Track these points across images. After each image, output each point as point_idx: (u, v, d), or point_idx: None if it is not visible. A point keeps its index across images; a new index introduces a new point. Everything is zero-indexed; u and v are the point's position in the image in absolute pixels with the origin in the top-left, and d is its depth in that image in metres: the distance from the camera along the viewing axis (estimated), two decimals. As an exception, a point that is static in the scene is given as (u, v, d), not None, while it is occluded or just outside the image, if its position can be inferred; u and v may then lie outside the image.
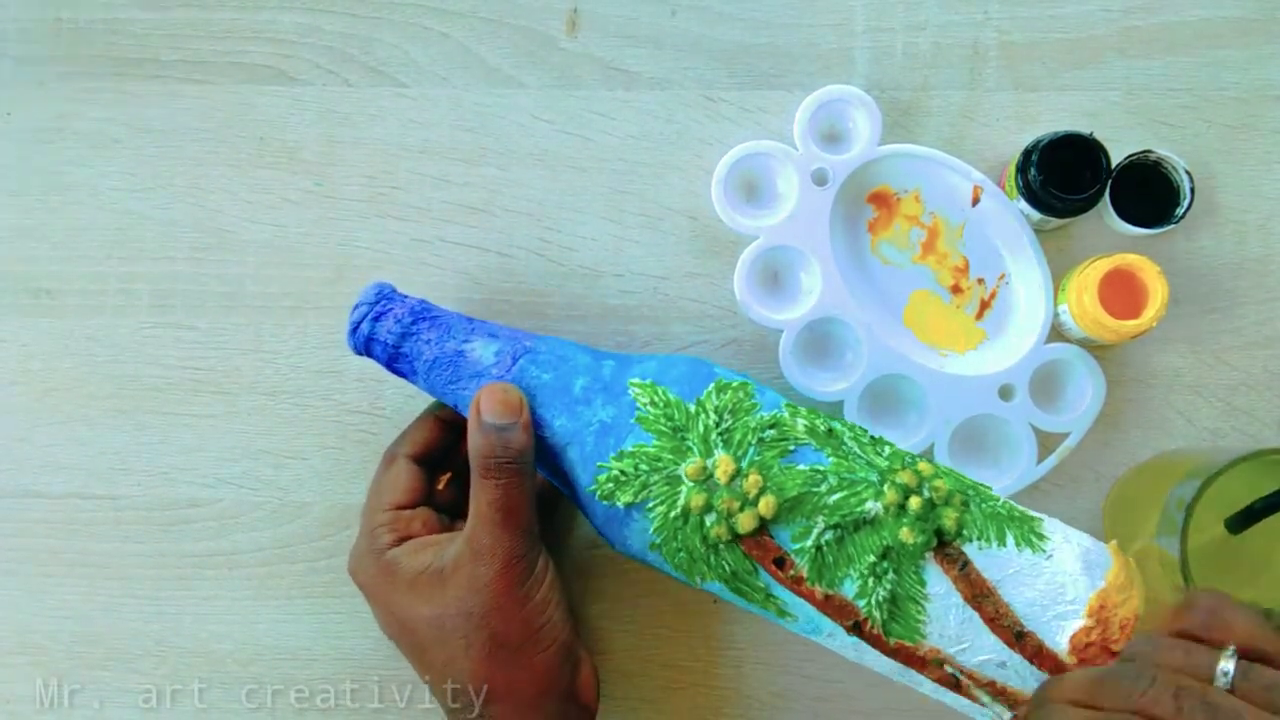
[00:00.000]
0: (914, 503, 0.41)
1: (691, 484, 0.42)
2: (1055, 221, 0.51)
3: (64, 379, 0.55)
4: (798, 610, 0.42)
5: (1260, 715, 0.32)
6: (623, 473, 0.42)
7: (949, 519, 0.41)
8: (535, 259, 0.54)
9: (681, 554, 0.42)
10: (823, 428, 0.43)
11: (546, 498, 0.50)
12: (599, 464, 0.43)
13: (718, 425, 0.43)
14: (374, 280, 0.48)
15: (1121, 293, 0.48)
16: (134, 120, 0.55)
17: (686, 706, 0.53)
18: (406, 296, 0.47)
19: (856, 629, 0.42)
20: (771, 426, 0.43)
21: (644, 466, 0.42)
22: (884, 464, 0.43)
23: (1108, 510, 0.52)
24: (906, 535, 0.41)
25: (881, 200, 0.53)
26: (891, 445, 0.44)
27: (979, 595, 0.41)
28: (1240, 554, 0.45)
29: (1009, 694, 0.41)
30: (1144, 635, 0.37)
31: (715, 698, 0.53)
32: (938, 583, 0.41)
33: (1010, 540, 0.41)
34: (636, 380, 0.44)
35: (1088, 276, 0.48)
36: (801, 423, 0.43)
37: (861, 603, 0.41)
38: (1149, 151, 0.51)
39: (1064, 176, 0.49)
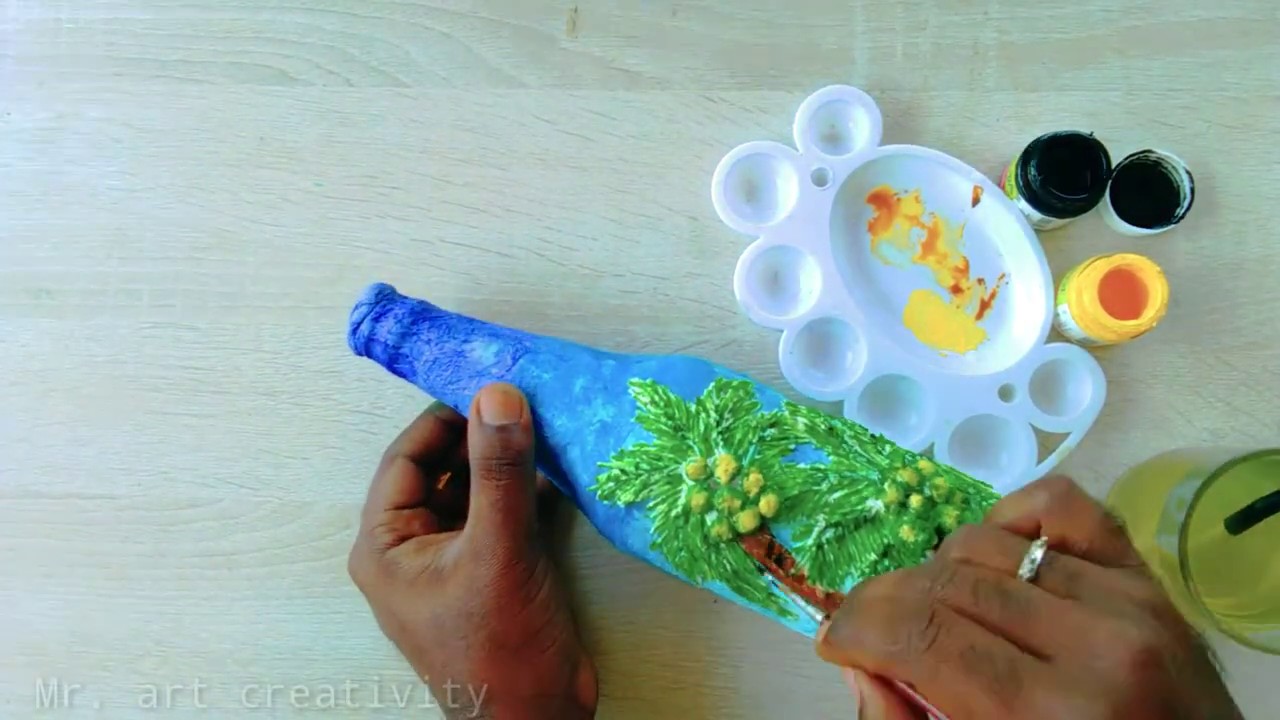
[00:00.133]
0: (915, 501, 0.41)
1: (692, 483, 0.42)
2: (1055, 221, 0.51)
3: (64, 379, 0.55)
4: (799, 609, 0.42)
5: (1055, 603, 0.31)
6: (623, 472, 0.42)
7: (950, 517, 0.41)
8: (535, 259, 0.54)
9: (682, 553, 0.42)
10: (823, 426, 0.43)
11: (546, 498, 0.50)
12: (599, 463, 0.43)
13: (718, 424, 0.43)
14: (374, 280, 0.48)
15: (1121, 293, 0.48)
16: (134, 120, 0.55)
17: (686, 706, 0.53)
18: (406, 297, 0.47)
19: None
20: (772, 425, 0.43)
21: (645, 465, 0.42)
22: (885, 462, 0.43)
23: (1108, 510, 0.52)
24: (907, 533, 0.41)
25: (881, 200, 0.53)
26: (892, 444, 0.44)
27: (979, 594, 0.41)
28: (1240, 554, 0.45)
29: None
30: (965, 526, 0.37)
31: (715, 698, 0.53)
32: (938, 581, 0.41)
33: (1011, 539, 0.41)
34: (637, 379, 0.44)
35: (1088, 276, 0.48)
36: (802, 421, 0.43)
37: (862, 602, 0.41)
38: (1149, 151, 0.51)
39: (1064, 176, 0.49)
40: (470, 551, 0.43)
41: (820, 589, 0.41)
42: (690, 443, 0.42)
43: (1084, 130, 0.49)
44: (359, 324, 0.46)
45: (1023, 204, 0.50)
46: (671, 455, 0.42)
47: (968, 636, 0.31)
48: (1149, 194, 0.51)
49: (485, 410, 0.43)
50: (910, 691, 0.33)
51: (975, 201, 0.52)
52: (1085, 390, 0.51)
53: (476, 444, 0.43)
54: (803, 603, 0.41)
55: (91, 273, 0.55)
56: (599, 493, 0.43)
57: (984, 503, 0.42)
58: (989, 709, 0.30)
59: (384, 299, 0.47)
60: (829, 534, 0.41)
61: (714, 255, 0.53)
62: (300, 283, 0.54)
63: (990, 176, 0.52)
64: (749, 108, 0.54)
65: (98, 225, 0.55)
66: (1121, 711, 0.29)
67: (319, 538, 0.54)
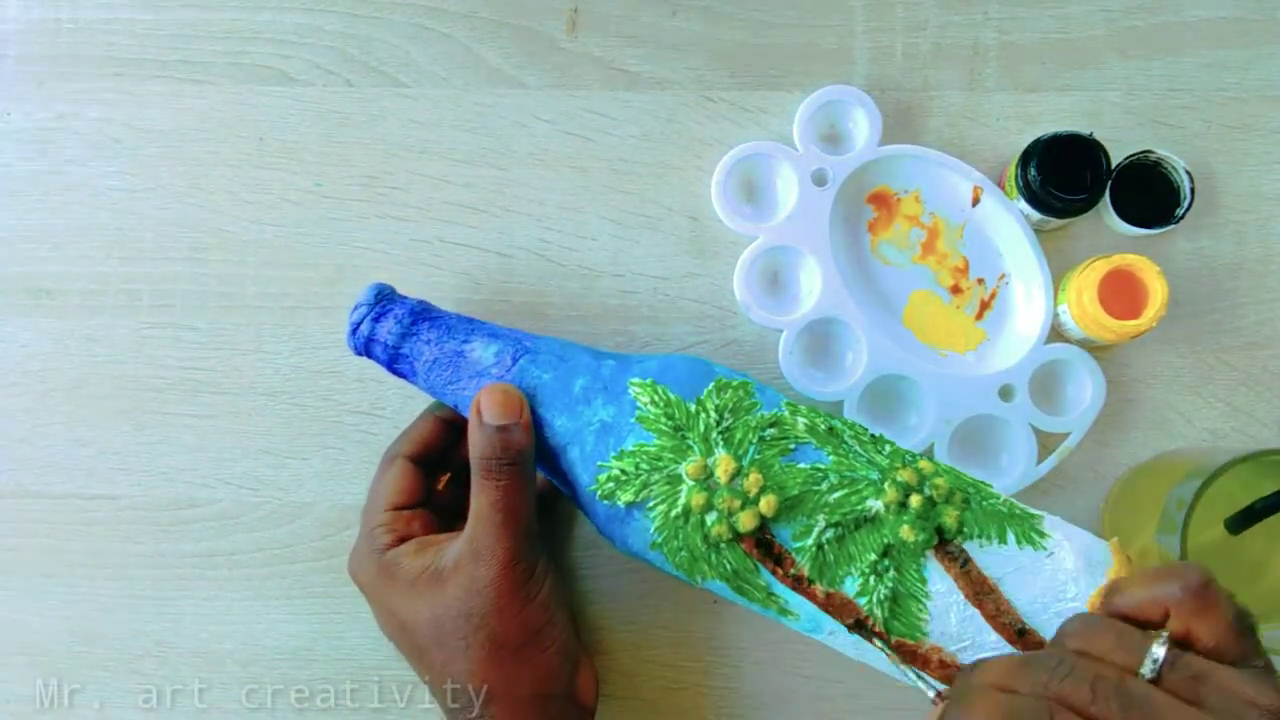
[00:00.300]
0: (915, 501, 0.41)
1: (692, 483, 0.42)
2: (1055, 221, 0.51)
3: (64, 379, 0.55)
4: (799, 609, 0.42)
5: (1179, 708, 0.30)
6: (623, 472, 0.42)
7: (950, 517, 0.41)
8: (535, 259, 0.54)
9: (683, 553, 0.42)
10: (823, 426, 0.43)
11: (546, 498, 0.50)
12: (599, 463, 0.43)
13: (718, 424, 0.43)
14: (374, 280, 0.48)
15: (1121, 293, 0.48)
16: (134, 120, 0.55)
17: (686, 706, 0.53)
18: (406, 297, 0.47)
19: (858, 627, 0.41)
20: (772, 425, 0.43)
21: (645, 465, 0.42)
22: (884, 462, 0.43)
23: (1108, 510, 0.52)
24: (907, 533, 0.41)
25: (881, 200, 0.53)
26: (892, 443, 0.44)
27: (980, 593, 0.41)
28: (1240, 554, 0.45)
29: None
30: (1080, 615, 0.36)
31: (715, 698, 0.53)
32: (939, 580, 0.41)
33: (1011, 538, 0.41)
34: (636, 379, 0.44)
35: (1088, 276, 0.48)
36: (802, 421, 0.43)
37: (863, 601, 0.41)
38: (1149, 151, 0.51)
39: (1064, 176, 0.49)
40: (470, 552, 0.43)
41: (820, 589, 0.41)
42: (690, 443, 0.42)
43: (1084, 130, 0.49)
44: (359, 324, 0.46)
45: (1023, 204, 0.50)
46: (671, 455, 0.42)
47: None
48: (1149, 194, 0.51)
49: (485, 410, 0.43)
50: None
51: (975, 202, 0.52)
52: (1085, 390, 0.51)
53: (476, 444, 0.43)
54: (914, 676, 0.41)
55: (91, 273, 0.55)
56: (599, 493, 0.43)
57: (984, 502, 0.42)
58: None
59: (384, 299, 0.47)
60: (829, 534, 0.41)
61: (714, 255, 0.53)
62: (300, 283, 0.54)
63: (990, 176, 0.52)
64: (749, 108, 0.54)
65: (98, 225, 0.55)
66: None
67: (319, 538, 0.54)
